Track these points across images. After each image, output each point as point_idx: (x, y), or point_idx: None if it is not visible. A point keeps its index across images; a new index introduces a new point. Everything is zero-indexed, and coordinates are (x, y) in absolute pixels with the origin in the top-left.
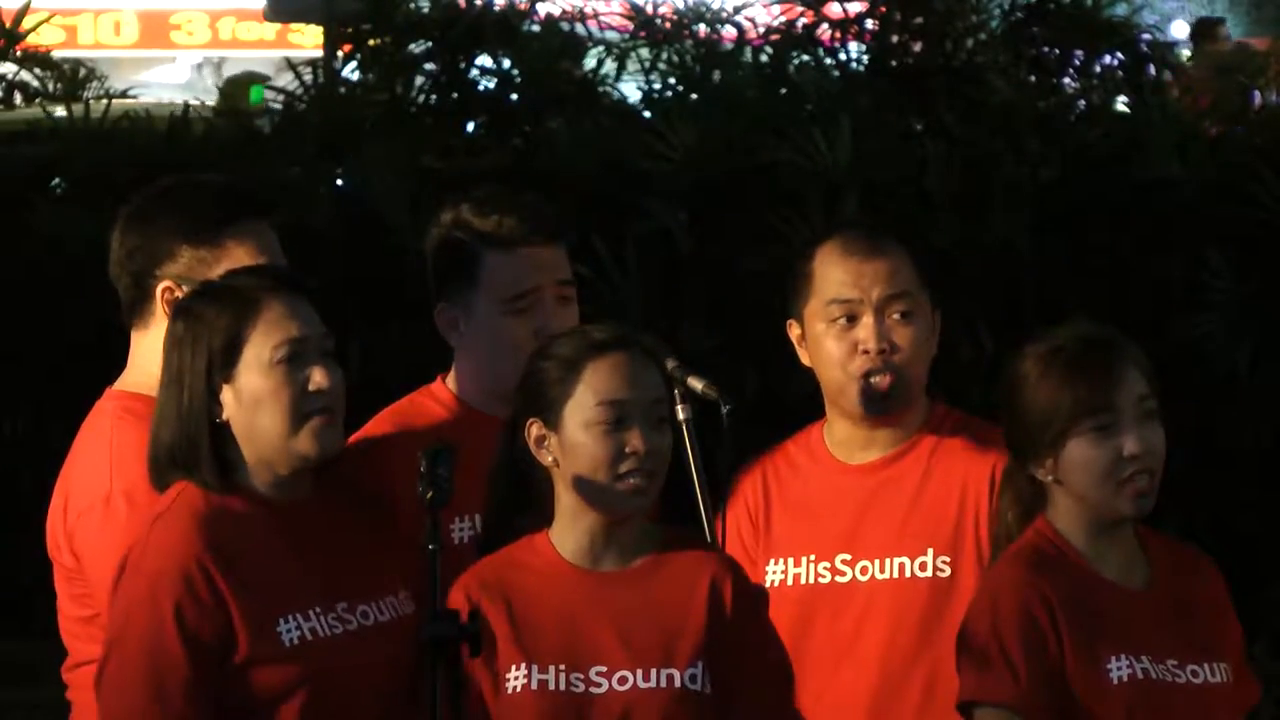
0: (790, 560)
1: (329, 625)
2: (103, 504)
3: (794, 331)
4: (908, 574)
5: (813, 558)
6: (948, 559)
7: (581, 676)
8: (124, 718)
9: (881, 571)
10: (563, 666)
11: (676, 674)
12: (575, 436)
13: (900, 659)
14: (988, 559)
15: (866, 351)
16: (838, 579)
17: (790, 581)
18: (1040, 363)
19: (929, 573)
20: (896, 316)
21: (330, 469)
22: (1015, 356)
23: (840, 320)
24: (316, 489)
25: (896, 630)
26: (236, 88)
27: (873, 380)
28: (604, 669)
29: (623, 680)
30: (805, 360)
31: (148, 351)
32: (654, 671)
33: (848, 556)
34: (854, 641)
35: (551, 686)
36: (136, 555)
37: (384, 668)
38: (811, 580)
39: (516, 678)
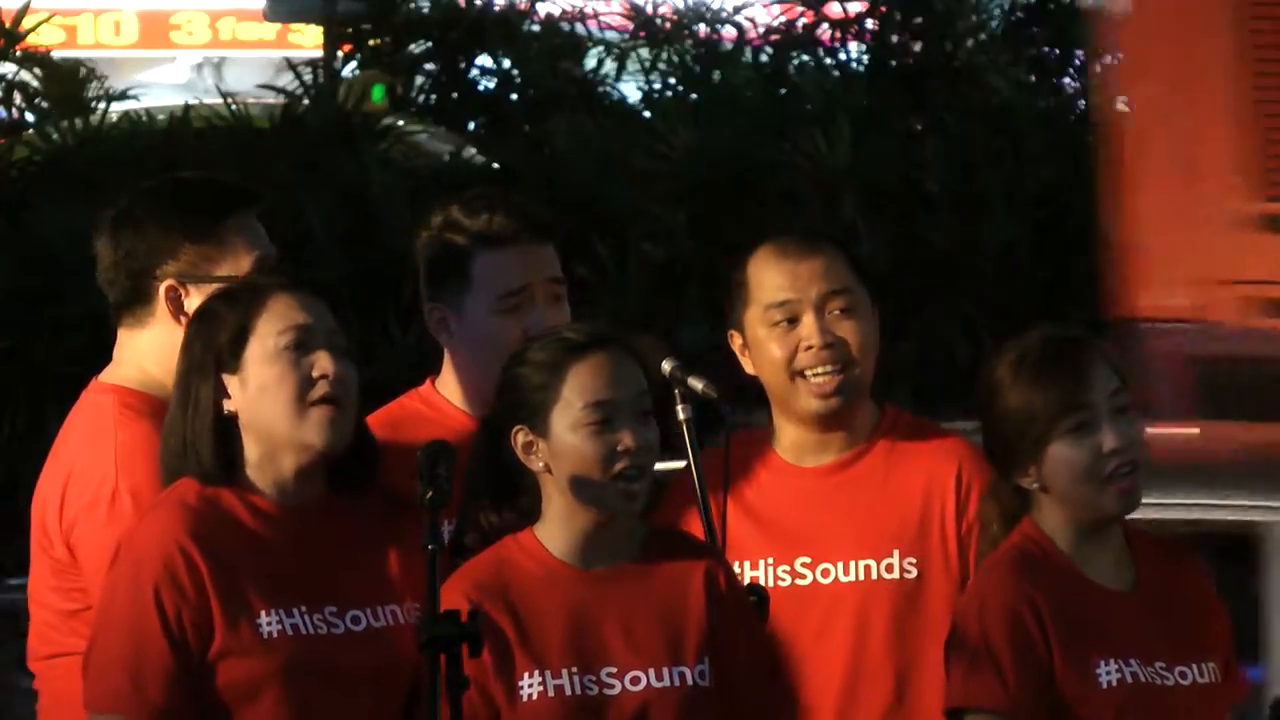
0: (747, 564)
1: (312, 625)
2: (108, 500)
3: (735, 342)
4: (874, 576)
5: (770, 561)
6: (914, 560)
7: (594, 678)
8: (104, 699)
9: (846, 574)
10: (574, 669)
11: (688, 672)
12: (565, 440)
13: (868, 662)
14: (956, 561)
15: (810, 348)
16: (798, 582)
17: (748, 584)
18: (1010, 370)
19: (896, 574)
20: (837, 313)
21: (371, 473)
22: (988, 366)
23: (782, 323)
24: (331, 493)
25: (864, 633)
26: (357, 87)
27: (818, 381)
28: (614, 669)
29: (635, 680)
30: (749, 369)
31: (141, 348)
32: (666, 670)
33: (808, 559)
34: (816, 645)
35: (567, 692)
36: (125, 542)
37: (370, 672)
38: (770, 584)
39: (530, 686)
